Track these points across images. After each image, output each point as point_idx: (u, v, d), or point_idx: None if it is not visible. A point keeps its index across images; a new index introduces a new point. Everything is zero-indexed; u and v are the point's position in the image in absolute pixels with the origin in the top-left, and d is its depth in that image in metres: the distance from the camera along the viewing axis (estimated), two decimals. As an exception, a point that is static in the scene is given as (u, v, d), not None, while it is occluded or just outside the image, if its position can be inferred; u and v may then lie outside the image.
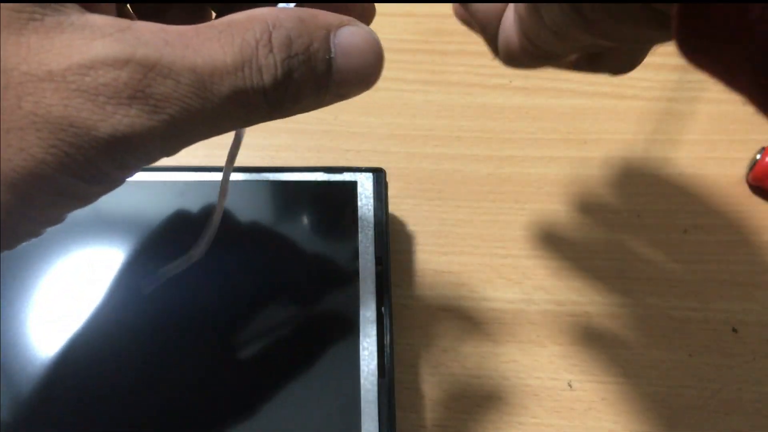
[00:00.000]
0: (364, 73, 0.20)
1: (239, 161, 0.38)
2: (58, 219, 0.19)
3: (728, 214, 0.36)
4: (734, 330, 0.33)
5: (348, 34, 0.19)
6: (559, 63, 0.22)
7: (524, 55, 0.19)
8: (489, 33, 0.21)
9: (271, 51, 0.18)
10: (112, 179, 0.18)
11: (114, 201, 0.32)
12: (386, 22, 0.45)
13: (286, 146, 0.39)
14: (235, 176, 0.33)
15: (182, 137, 0.18)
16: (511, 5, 0.20)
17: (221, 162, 0.38)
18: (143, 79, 0.16)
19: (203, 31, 0.17)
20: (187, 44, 0.17)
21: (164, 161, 0.39)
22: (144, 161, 0.18)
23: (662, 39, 0.15)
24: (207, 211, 0.33)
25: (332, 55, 0.19)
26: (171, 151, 0.19)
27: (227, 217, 0.32)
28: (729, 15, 0.11)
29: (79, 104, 0.16)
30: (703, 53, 0.12)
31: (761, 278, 0.34)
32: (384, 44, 0.46)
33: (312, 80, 0.19)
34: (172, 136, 0.18)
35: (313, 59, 0.18)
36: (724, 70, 0.12)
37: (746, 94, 0.12)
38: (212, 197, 0.33)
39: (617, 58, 0.20)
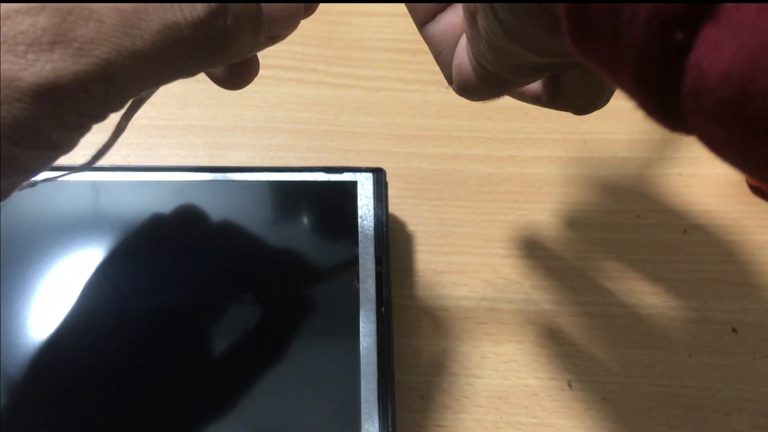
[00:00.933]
0: (291, 8, 0.19)
1: (241, 161, 0.38)
2: (4, 194, 0.18)
3: (728, 214, 0.36)
4: (734, 330, 0.33)
5: None
6: (522, 96, 0.22)
7: (476, 79, 0.19)
8: (444, 60, 0.20)
9: None
10: (53, 143, 0.17)
11: (114, 201, 0.32)
12: (386, 22, 0.45)
13: (286, 146, 0.39)
14: (235, 176, 0.33)
15: (118, 83, 0.17)
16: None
17: (221, 162, 0.38)
18: (62, 23, 0.16)
19: None
20: None
21: (165, 161, 0.39)
22: (83, 115, 0.17)
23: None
24: (206, 211, 0.33)
25: None
26: (111, 101, 0.18)
27: (228, 217, 0.32)
28: (605, 15, 0.11)
29: None
30: (589, 52, 0.12)
31: (761, 278, 0.34)
32: (384, 44, 0.46)
33: (246, 15, 0.18)
34: (106, 81, 0.17)
35: None
36: (609, 67, 0.12)
37: (628, 90, 0.12)
38: (212, 197, 0.33)
39: (577, 95, 0.20)
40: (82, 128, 0.18)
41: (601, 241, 0.36)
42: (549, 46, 0.15)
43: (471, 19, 0.16)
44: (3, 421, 0.26)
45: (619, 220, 0.36)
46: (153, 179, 0.33)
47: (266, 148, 0.39)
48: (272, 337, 0.29)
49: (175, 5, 0.17)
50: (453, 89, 0.21)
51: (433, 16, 0.20)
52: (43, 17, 0.16)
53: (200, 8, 0.17)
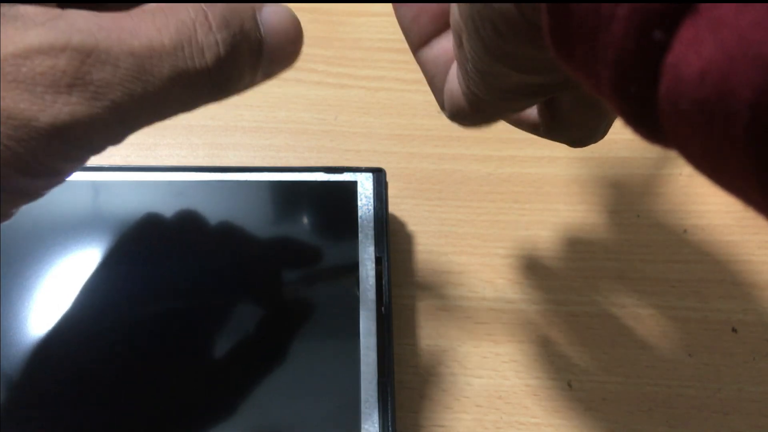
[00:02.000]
0: (289, 48, 0.20)
1: (241, 161, 0.38)
2: (5, 216, 0.19)
3: (728, 214, 0.36)
4: (734, 330, 0.33)
5: (272, 12, 0.19)
6: (520, 124, 0.22)
7: (466, 105, 0.19)
8: (436, 85, 0.20)
9: (210, 29, 0.18)
10: (57, 172, 0.18)
11: (114, 201, 0.32)
12: (386, 22, 0.45)
13: (286, 146, 0.39)
14: (235, 176, 0.33)
15: (126, 123, 0.18)
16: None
17: (221, 162, 0.38)
18: (81, 66, 0.16)
19: (136, 15, 0.17)
20: (121, 28, 0.17)
21: (165, 161, 0.39)
22: (89, 151, 0.18)
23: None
24: (206, 212, 0.33)
25: (262, 34, 0.19)
26: (116, 138, 0.18)
27: (228, 218, 0.32)
28: (585, 14, 0.11)
29: (16, 95, 0.16)
30: (569, 56, 0.12)
31: (761, 278, 0.34)
32: (384, 44, 0.46)
33: (249, 58, 0.19)
34: (116, 122, 0.17)
35: (247, 37, 0.19)
36: (588, 71, 0.12)
37: (606, 96, 0.12)
38: (212, 197, 0.33)
39: (573, 127, 0.20)
40: (83, 161, 0.19)
41: (601, 241, 0.36)
42: (532, 63, 0.15)
43: (458, 40, 0.17)
44: (3, 420, 0.26)
45: (619, 220, 0.36)
46: (153, 179, 0.33)
47: (266, 148, 0.39)
48: (272, 338, 0.29)
49: (187, 53, 0.17)
50: (445, 115, 0.21)
51: (426, 41, 0.20)
52: (62, 60, 0.16)
53: (209, 57, 0.18)
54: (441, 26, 0.20)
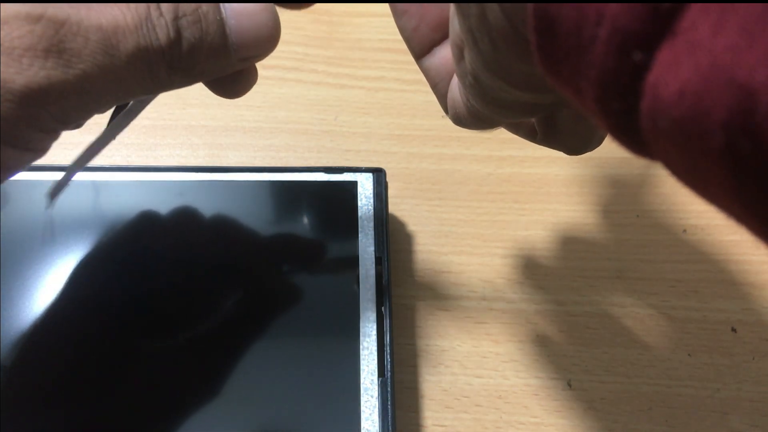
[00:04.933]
0: (260, 34, 0.21)
1: (241, 161, 0.38)
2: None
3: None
4: (733, 330, 0.33)
5: (235, 9, 0.20)
6: (517, 131, 0.23)
7: (467, 115, 0.20)
8: (440, 92, 0.21)
9: (161, 13, 0.19)
10: (29, 142, 0.19)
11: (114, 201, 0.32)
12: (386, 23, 0.45)
13: (287, 146, 0.39)
14: (235, 176, 0.33)
15: (94, 94, 0.19)
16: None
17: (221, 162, 0.38)
18: (56, 35, 0.17)
19: (101, 2, 0.19)
20: (89, 7, 0.18)
21: (165, 161, 0.39)
22: (60, 121, 0.19)
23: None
24: (206, 212, 0.33)
25: (223, 16, 0.20)
26: (84, 109, 0.19)
27: (228, 218, 0.32)
28: (569, 33, 0.11)
29: None
30: (557, 72, 0.12)
31: (761, 278, 0.34)
32: (384, 44, 0.46)
33: (206, 42, 0.20)
34: (85, 92, 0.18)
35: (204, 20, 0.20)
36: (574, 88, 0.12)
37: (592, 112, 0.12)
38: (212, 197, 0.33)
39: (569, 136, 0.21)
40: (55, 133, 0.20)
41: (601, 241, 0.36)
42: (527, 79, 0.15)
43: (458, 54, 0.17)
44: (3, 419, 0.26)
45: (619, 220, 0.36)
46: (153, 179, 0.33)
47: (266, 148, 0.39)
48: (272, 337, 0.29)
49: (144, 31, 0.19)
50: (449, 118, 0.21)
51: (429, 50, 0.20)
52: (39, 26, 0.17)
53: (162, 36, 0.19)
54: (441, 35, 0.20)
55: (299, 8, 0.23)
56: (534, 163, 0.38)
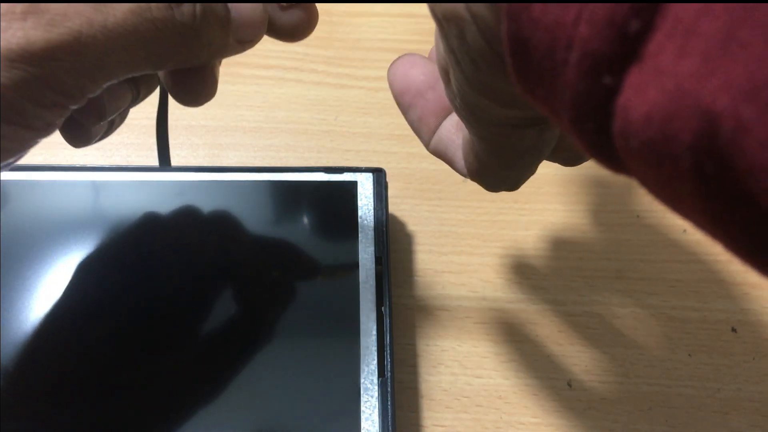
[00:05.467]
0: (256, 12, 0.21)
1: (241, 161, 0.38)
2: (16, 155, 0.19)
3: (728, 214, 0.36)
4: (733, 330, 0.33)
5: None
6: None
7: (469, 150, 0.20)
8: (452, 156, 0.22)
9: None
10: (27, 117, 0.18)
11: (114, 201, 0.32)
12: (386, 23, 0.45)
13: (287, 146, 0.39)
14: (235, 176, 0.33)
15: (90, 56, 0.18)
16: (448, 127, 0.22)
17: (221, 162, 0.38)
18: None
19: None
20: None
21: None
22: (56, 90, 0.18)
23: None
24: (206, 211, 0.33)
25: None
26: (82, 75, 0.18)
27: (228, 218, 0.32)
28: (542, 56, 0.11)
29: None
30: (533, 92, 0.13)
31: (760, 278, 0.34)
32: (384, 44, 0.46)
33: (214, 7, 0.20)
34: (78, 53, 0.17)
35: None
36: (551, 108, 0.12)
37: (568, 131, 0.12)
38: (212, 197, 0.33)
39: (563, 149, 0.21)
40: (58, 108, 0.18)
41: (601, 241, 0.36)
42: (510, 96, 0.15)
43: (446, 77, 0.17)
44: (3, 418, 0.26)
45: (619, 220, 0.36)
46: (153, 179, 0.33)
47: (266, 148, 0.39)
48: (273, 338, 0.29)
49: None
50: (469, 177, 0.22)
51: (434, 132, 0.22)
52: None
53: None
54: (441, 118, 0.22)
55: (294, 40, 0.23)
56: (534, 163, 0.38)
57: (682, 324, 0.33)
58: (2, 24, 0.16)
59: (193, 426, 0.27)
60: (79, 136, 0.23)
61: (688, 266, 0.35)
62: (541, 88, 0.12)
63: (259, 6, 0.21)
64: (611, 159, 0.12)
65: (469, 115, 0.17)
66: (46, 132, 0.19)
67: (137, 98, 0.24)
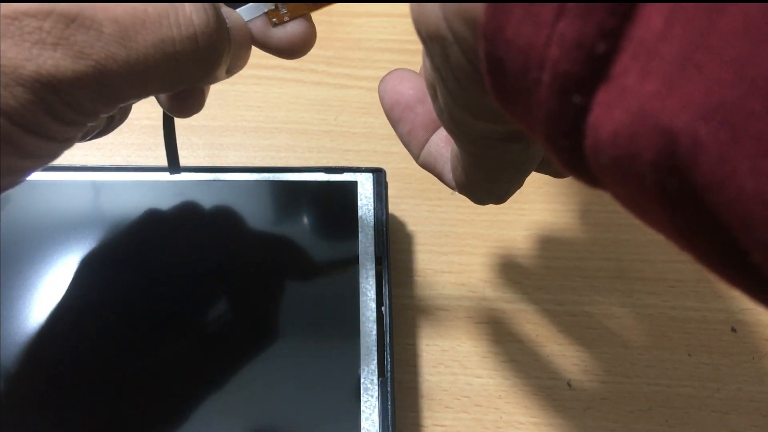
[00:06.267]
0: (246, 48, 0.23)
1: (241, 161, 0.38)
2: (11, 181, 0.20)
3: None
4: (733, 330, 0.33)
5: (228, 11, 0.22)
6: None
7: (457, 163, 0.20)
8: (440, 170, 0.22)
9: (183, 7, 0.19)
10: (50, 131, 0.19)
11: (114, 201, 0.32)
12: (386, 23, 0.45)
13: (287, 146, 0.39)
14: (236, 176, 0.33)
15: (111, 86, 0.19)
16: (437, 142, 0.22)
17: (221, 162, 0.38)
18: (66, 29, 0.18)
19: None
20: (105, 5, 0.19)
21: (165, 161, 0.39)
22: (77, 110, 0.19)
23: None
24: (206, 211, 0.33)
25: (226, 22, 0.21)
26: (103, 102, 0.19)
27: (228, 218, 0.32)
28: (516, 75, 0.12)
29: (6, 47, 0.17)
30: (511, 109, 0.13)
31: (760, 278, 0.34)
32: (384, 44, 0.46)
33: (226, 38, 0.21)
34: (100, 83, 0.19)
35: (221, 18, 0.21)
36: (527, 124, 0.13)
37: (544, 147, 0.13)
38: (212, 197, 0.33)
39: (551, 165, 0.22)
40: (77, 125, 0.20)
41: (601, 241, 0.36)
42: (493, 112, 0.16)
43: (433, 93, 0.18)
44: (3, 418, 0.26)
45: (619, 220, 0.36)
46: (153, 179, 0.33)
47: (266, 149, 0.39)
48: (272, 337, 0.29)
49: (172, 21, 0.19)
50: (457, 191, 0.22)
51: (424, 146, 0.23)
52: (48, 22, 0.18)
53: (198, 22, 0.20)
54: (431, 132, 0.22)
55: (292, 57, 0.24)
56: (534, 163, 0.38)
57: (682, 324, 0.33)
58: (34, 51, 0.18)
59: (193, 425, 0.27)
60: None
61: (688, 266, 0.35)
62: (517, 105, 0.13)
63: (248, 32, 0.22)
64: (586, 174, 0.12)
65: (456, 129, 0.18)
66: (66, 144, 0.20)
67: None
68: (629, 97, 0.10)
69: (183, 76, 0.20)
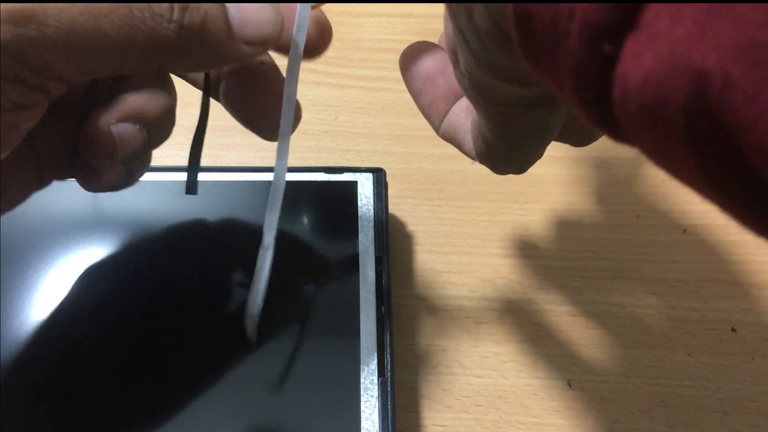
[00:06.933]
0: (262, 16, 0.21)
1: (241, 161, 0.38)
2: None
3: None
4: (733, 330, 0.33)
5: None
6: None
7: (477, 131, 0.20)
8: (461, 139, 0.22)
9: None
10: (16, 100, 0.18)
11: (114, 201, 0.32)
12: (386, 23, 0.45)
13: (287, 146, 0.39)
14: (236, 177, 0.33)
15: (54, 26, 0.17)
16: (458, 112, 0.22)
17: (221, 162, 0.38)
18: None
19: None
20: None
21: (166, 161, 0.39)
22: (37, 70, 0.18)
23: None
24: (206, 212, 0.33)
25: None
26: (65, 63, 0.18)
27: (228, 218, 0.32)
28: (545, 28, 0.12)
29: None
30: (537, 64, 0.13)
31: (761, 278, 0.34)
32: (384, 45, 0.46)
33: (205, 14, 0.20)
34: (43, 23, 0.17)
35: None
36: (555, 79, 0.13)
37: (571, 102, 0.13)
38: (212, 197, 0.33)
39: (574, 130, 0.22)
40: (22, 84, 0.18)
41: (601, 241, 0.36)
42: (517, 74, 0.16)
43: (454, 58, 0.18)
44: (3, 418, 0.26)
45: (619, 220, 0.36)
46: (153, 179, 0.33)
47: (266, 148, 0.39)
48: (272, 337, 0.29)
49: None
50: (478, 161, 0.22)
51: (444, 117, 0.22)
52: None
53: None
54: (451, 102, 0.22)
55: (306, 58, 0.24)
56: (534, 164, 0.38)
57: (682, 324, 0.33)
58: None
59: (193, 425, 0.27)
60: (90, 179, 0.23)
61: (688, 266, 0.35)
62: (545, 60, 0.13)
63: (265, 3, 0.21)
64: (613, 127, 0.12)
65: (477, 95, 0.18)
66: (15, 116, 0.18)
67: (149, 141, 0.23)
68: (660, 42, 0.10)
69: (160, 48, 0.19)
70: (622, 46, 0.11)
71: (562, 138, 0.22)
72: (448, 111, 0.22)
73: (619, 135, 0.12)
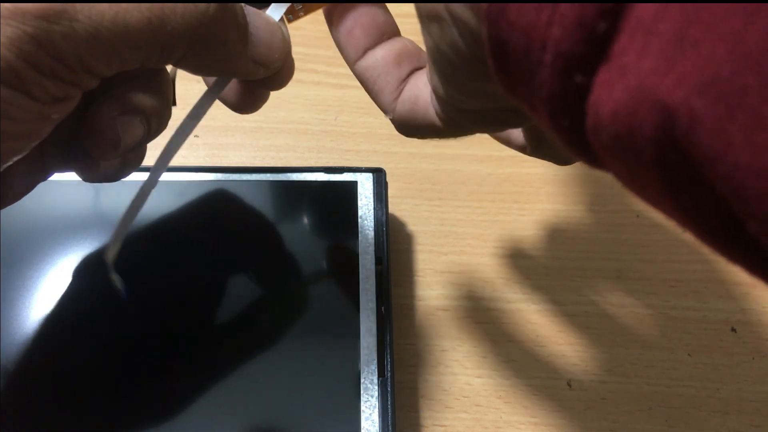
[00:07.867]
0: (273, 45, 0.22)
1: (241, 161, 0.38)
2: (17, 147, 0.19)
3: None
4: (733, 330, 0.33)
5: (253, 12, 0.21)
6: (509, 144, 0.25)
7: (440, 124, 0.20)
8: (379, 87, 0.21)
9: None
10: (27, 80, 0.17)
11: (114, 201, 0.32)
12: (386, 23, 0.45)
13: (287, 146, 0.39)
14: (236, 177, 0.33)
15: (85, 21, 0.17)
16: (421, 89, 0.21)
17: (221, 162, 0.38)
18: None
19: None
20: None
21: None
22: (53, 56, 0.17)
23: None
24: (206, 212, 0.33)
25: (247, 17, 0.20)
26: (81, 45, 0.18)
27: (228, 218, 0.32)
28: (520, 57, 0.12)
29: None
30: (514, 90, 0.13)
31: (760, 278, 0.34)
32: (384, 44, 0.45)
33: (235, 18, 0.20)
34: (73, 18, 0.17)
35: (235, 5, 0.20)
36: (530, 105, 0.13)
37: (547, 128, 0.13)
38: (212, 198, 0.33)
39: (558, 148, 0.21)
40: (58, 79, 0.18)
41: (600, 241, 0.36)
42: (487, 94, 0.16)
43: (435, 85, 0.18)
44: (3, 418, 0.26)
45: (619, 220, 0.36)
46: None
47: (266, 149, 0.39)
48: (272, 337, 0.29)
49: None
50: (389, 118, 0.21)
51: (363, 54, 0.21)
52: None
53: None
54: (374, 39, 0.21)
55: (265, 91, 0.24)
56: (534, 163, 0.38)
57: (682, 324, 0.33)
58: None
59: (194, 425, 0.27)
60: (87, 168, 0.23)
61: (688, 266, 0.35)
62: (521, 87, 0.13)
63: (277, 29, 0.22)
64: (587, 154, 0.12)
65: (451, 105, 0.18)
66: (51, 108, 0.18)
67: (149, 133, 0.24)
68: (628, 75, 0.10)
69: (175, 33, 0.19)
70: (594, 76, 0.11)
71: (546, 156, 0.22)
72: (366, 49, 0.21)
73: (594, 161, 0.13)
